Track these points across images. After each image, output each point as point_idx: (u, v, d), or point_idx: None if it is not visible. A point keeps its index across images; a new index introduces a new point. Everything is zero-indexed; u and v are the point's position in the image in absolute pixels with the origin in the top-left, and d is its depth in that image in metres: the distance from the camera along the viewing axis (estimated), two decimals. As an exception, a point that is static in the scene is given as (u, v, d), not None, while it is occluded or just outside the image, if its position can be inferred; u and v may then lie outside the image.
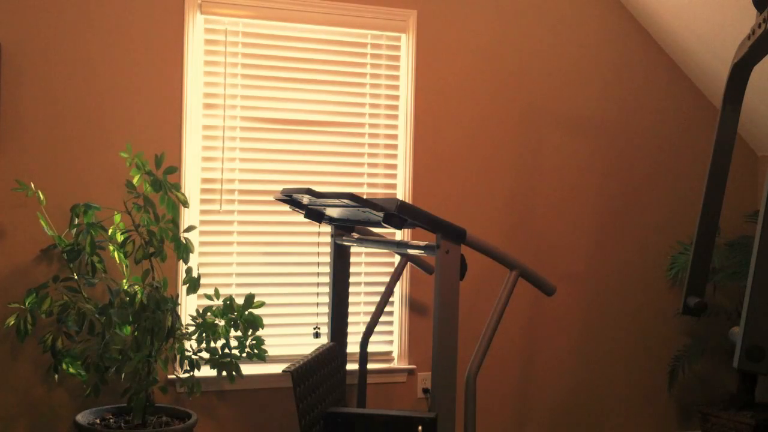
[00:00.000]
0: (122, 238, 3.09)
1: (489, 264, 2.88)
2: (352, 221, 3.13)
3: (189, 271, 3.20)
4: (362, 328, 3.49)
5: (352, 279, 3.43)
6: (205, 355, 3.20)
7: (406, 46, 3.76)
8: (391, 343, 3.79)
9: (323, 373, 2.93)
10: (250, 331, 3.22)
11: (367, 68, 3.75)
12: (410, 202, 3.70)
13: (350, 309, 3.41)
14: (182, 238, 3.13)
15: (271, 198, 3.48)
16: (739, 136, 4.24)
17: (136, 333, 3.03)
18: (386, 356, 3.78)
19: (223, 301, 3.21)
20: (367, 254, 3.74)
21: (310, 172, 3.64)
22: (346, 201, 2.59)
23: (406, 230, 3.68)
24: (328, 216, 3.20)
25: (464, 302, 2.62)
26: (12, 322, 3.04)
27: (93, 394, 3.07)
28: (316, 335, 3.48)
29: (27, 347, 3.19)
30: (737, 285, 3.98)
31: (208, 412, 3.46)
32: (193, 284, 3.18)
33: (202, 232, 3.48)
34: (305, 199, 2.96)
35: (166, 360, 3.15)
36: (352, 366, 3.46)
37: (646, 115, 4.14)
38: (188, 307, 3.41)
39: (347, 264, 3.38)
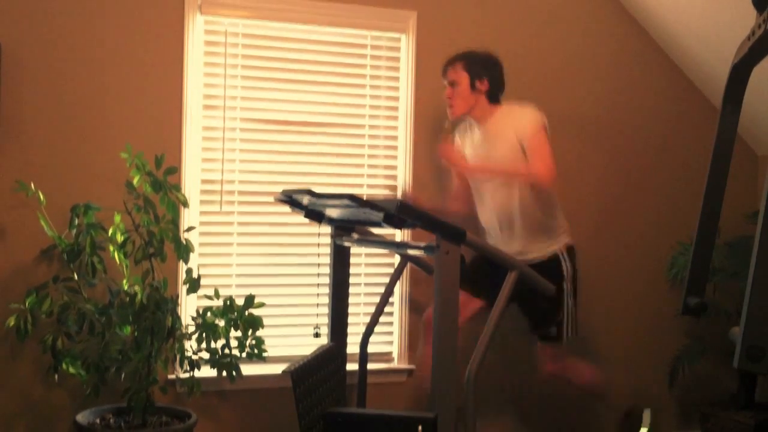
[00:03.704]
0: (122, 239, 3.09)
1: (489, 264, 2.88)
2: (352, 221, 3.13)
3: (189, 271, 3.20)
4: (362, 329, 3.49)
5: (352, 279, 3.43)
6: (205, 355, 3.20)
7: (406, 46, 3.76)
8: (391, 343, 3.79)
9: (323, 373, 2.92)
10: (250, 331, 3.22)
11: (367, 69, 3.75)
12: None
13: (350, 309, 3.41)
14: (182, 239, 3.13)
15: (271, 199, 3.48)
16: (739, 136, 4.24)
17: (136, 333, 3.03)
18: (386, 356, 3.78)
19: (223, 302, 3.21)
20: (367, 254, 3.74)
21: (310, 172, 3.64)
22: (346, 201, 2.59)
23: (405, 230, 3.68)
24: (328, 216, 3.20)
25: (464, 302, 2.63)
26: (12, 323, 3.04)
27: (93, 394, 3.07)
28: (316, 335, 3.48)
29: (27, 347, 3.19)
30: (737, 285, 3.97)
31: (208, 412, 3.46)
32: (193, 284, 3.18)
33: (202, 233, 3.48)
34: (305, 200, 2.96)
35: (166, 360, 3.16)
36: (352, 366, 3.45)
37: (645, 114, 4.14)
38: (188, 307, 3.41)
39: (347, 264, 3.38)
